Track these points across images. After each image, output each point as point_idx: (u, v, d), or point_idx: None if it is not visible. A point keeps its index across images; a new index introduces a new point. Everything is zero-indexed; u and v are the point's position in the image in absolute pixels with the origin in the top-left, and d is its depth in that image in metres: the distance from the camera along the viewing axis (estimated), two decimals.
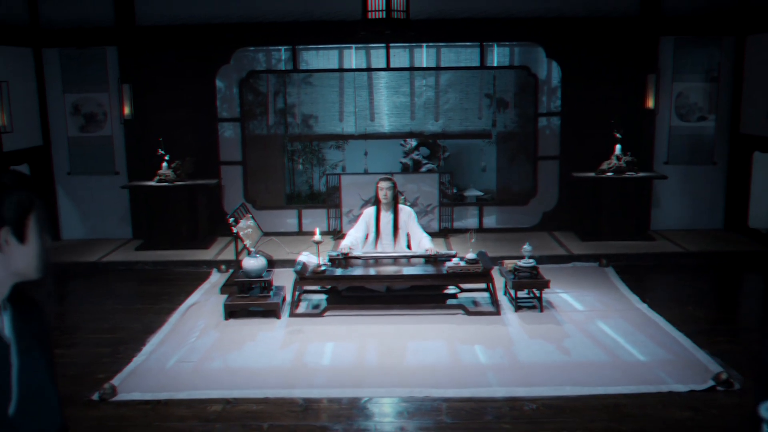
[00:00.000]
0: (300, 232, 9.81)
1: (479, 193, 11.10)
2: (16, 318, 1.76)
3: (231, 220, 7.06)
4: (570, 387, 5.07)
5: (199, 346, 6.01)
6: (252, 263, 6.67)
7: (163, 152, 9.00)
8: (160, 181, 9.04)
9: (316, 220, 9.66)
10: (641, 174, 9.23)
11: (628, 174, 9.09)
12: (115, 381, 5.22)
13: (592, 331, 6.22)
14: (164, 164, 9.06)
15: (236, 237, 7.21)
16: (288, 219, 9.98)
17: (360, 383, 5.20)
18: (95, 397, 4.99)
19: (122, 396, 5.04)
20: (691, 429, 4.49)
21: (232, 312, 6.66)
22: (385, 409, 4.85)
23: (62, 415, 1.88)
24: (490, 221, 10.05)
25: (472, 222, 9.90)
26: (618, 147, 9.12)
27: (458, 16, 9.38)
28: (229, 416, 4.74)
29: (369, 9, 6.16)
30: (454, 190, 10.46)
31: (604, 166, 9.16)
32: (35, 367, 1.76)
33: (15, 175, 1.72)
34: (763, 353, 2.13)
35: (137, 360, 5.71)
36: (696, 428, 4.50)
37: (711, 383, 5.05)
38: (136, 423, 4.68)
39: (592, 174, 9.22)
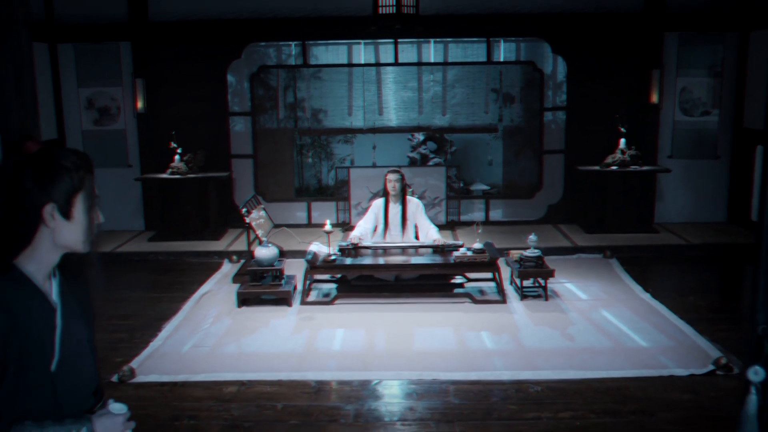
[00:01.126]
0: (309, 225, 10.00)
1: (485, 187, 11.26)
2: (63, 285, 1.93)
3: (244, 210, 7.23)
4: (574, 371, 5.22)
5: (213, 332, 6.19)
6: (264, 252, 6.84)
7: (175, 145, 9.19)
8: (172, 173, 9.23)
9: (324, 213, 9.83)
10: (645, 168, 9.37)
11: (633, 168, 9.24)
12: (133, 364, 5.40)
13: (596, 319, 6.37)
14: (176, 157, 9.24)
15: (248, 227, 7.38)
16: (297, 212, 10.15)
17: (370, 367, 5.37)
18: (114, 379, 5.16)
19: (140, 378, 5.22)
20: (690, 410, 4.64)
21: (244, 300, 6.83)
22: (394, 390, 5.01)
23: (99, 380, 2.05)
24: (496, 214, 10.21)
25: (478, 215, 10.05)
26: (622, 141, 9.27)
27: (465, 12, 9.53)
28: (244, 397, 4.91)
29: (380, 4, 6.34)
30: (461, 184, 10.62)
31: (609, 159, 9.30)
32: (77, 332, 1.93)
33: (74, 155, 1.88)
34: (751, 322, 2.30)
35: (154, 345, 5.89)
36: (695, 409, 4.65)
37: (711, 367, 5.21)
38: (155, 403, 4.85)
39: (596, 168, 9.37)
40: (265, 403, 4.81)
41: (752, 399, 2.26)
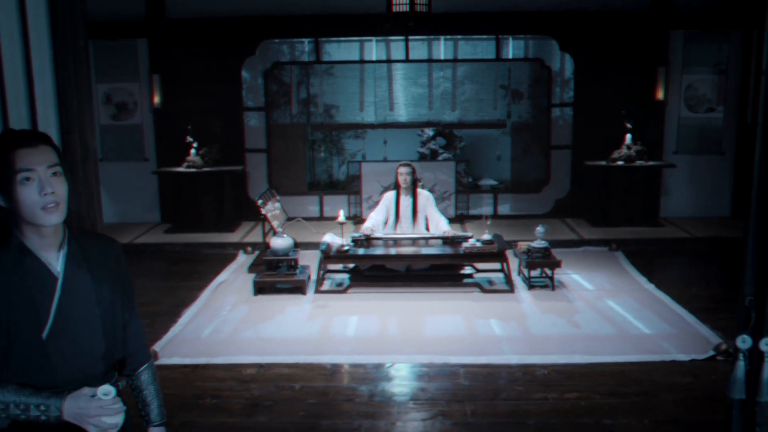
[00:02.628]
0: (321, 218, 10.23)
1: (494, 182, 11.45)
2: (75, 256, 2.08)
3: (260, 202, 7.45)
4: (579, 356, 5.43)
5: (231, 318, 6.42)
6: (280, 243, 7.06)
7: (191, 140, 9.43)
8: (188, 167, 9.47)
9: (336, 206, 10.03)
10: (651, 163, 9.57)
11: (638, 163, 9.44)
12: (156, 347, 5.62)
13: (601, 307, 6.58)
14: (192, 151, 9.48)
15: (264, 219, 7.60)
16: (310, 205, 10.39)
17: (383, 351, 5.58)
18: None
19: (163, 360, 5.45)
20: (691, 392, 4.84)
21: (260, 288, 7.06)
22: (406, 373, 5.23)
23: (114, 344, 2.16)
24: (504, 208, 10.42)
25: (487, 209, 10.27)
26: (628, 137, 9.46)
27: (475, 10, 9.73)
28: (263, 378, 5.14)
29: (394, 2, 6.56)
30: (470, 179, 10.82)
31: (615, 155, 9.50)
32: (83, 300, 2.07)
33: (5, 137, 2.00)
34: (741, 295, 2.50)
35: (174, 330, 6.12)
36: (696, 391, 4.85)
37: (711, 353, 5.41)
38: (178, 383, 5.08)
39: (603, 163, 9.57)
40: (283, 384, 5.03)
41: (740, 364, 2.47)
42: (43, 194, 1.93)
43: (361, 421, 4.45)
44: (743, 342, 2.44)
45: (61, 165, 1.99)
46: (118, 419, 1.94)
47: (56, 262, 2.03)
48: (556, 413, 4.53)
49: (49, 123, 2.45)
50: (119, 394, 2.15)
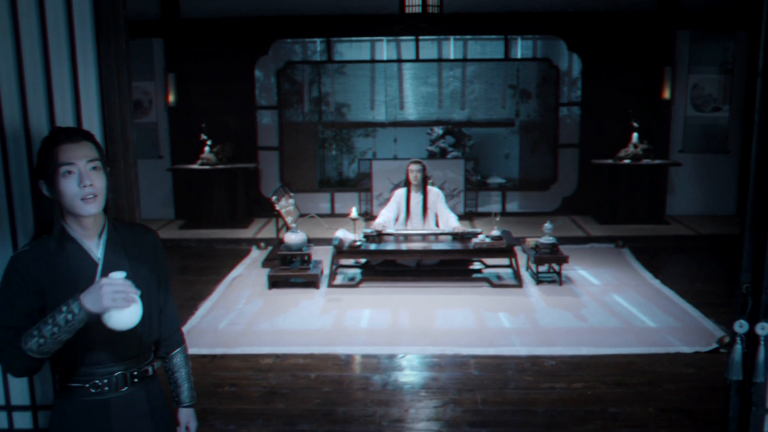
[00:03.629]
0: (332, 214, 10.42)
1: (502, 181, 11.61)
2: (114, 244, 2.25)
3: (274, 198, 7.63)
4: (586, 347, 5.59)
5: (246, 311, 6.61)
6: (294, 238, 7.24)
7: (205, 137, 9.63)
8: (202, 164, 9.66)
9: (347, 203, 10.23)
10: (657, 161, 9.72)
11: (645, 161, 9.59)
12: None
13: (608, 302, 6.74)
14: (206, 149, 9.67)
15: (278, 215, 7.78)
16: (321, 202, 10.57)
17: (395, 342, 5.76)
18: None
19: None
20: (694, 382, 5.00)
21: (275, 282, 7.25)
22: (418, 363, 5.40)
23: (149, 323, 2.31)
24: (512, 206, 10.58)
25: (495, 207, 10.44)
26: (635, 135, 9.62)
27: (484, 11, 9.89)
28: (280, 367, 5.31)
29: (407, 4, 6.74)
30: (478, 177, 10.99)
31: (622, 153, 9.65)
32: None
33: (53, 134, 2.18)
34: (738, 282, 2.67)
35: (191, 322, 6.30)
36: (699, 381, 5.01)
37: (714, 345, 5.56)
38: (197, 372, 5.24)
39: (610, 161, 9.72)
40: (299, 373, 5.21)
41: (738, 348, 2.64)
42: (82, 186, 2.10)
43: (375, 408, 4.62)
44: (740, 327, 2.62)
45: (100, 160, 2.16)
46: (136, 309, 2.02)
47: (96, 249, 2.21)
48: (563, 402, 4.69)
49: (92, 120, 2.63)
50: (155, 374, 2.34)
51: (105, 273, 2.14)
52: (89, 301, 1.98)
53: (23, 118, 2.64)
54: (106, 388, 2.20)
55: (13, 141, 2.65)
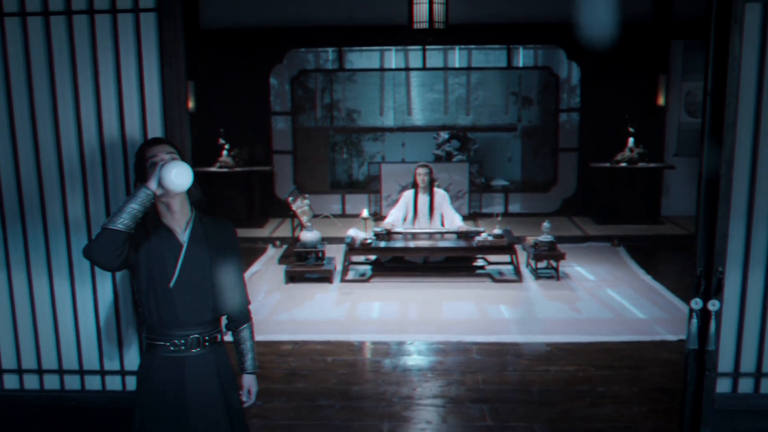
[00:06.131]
0: (343, 215, 10.93)
1: (505, 183, 12.09)
2: (197, 233, 2.75)
3: (290, 199, 8.16)
4: (579, 336, 6.09)
5: (266, 303, 7.13)
6: (309, 236, 7.76)
7: (223, 141, 10.16)
8: (220, 167, 10.19)
9: (357, 205, 10.74)
10: (652, 165, 10.20)
11: (641, 165, 10.08)
12: None
13: (601, 296, 7.24)
14: (224, 152, 10.20)
15: (293, 214, 8.31)
16: (332, 204, 11.10)
17: (404, 331, 6.28)
18: None
19: None
20: (676, 366, 5.46)
21: (291, 277, 7.77)
22: (425, 349, 5.91)
23: (222, 301, 2.79)
24: (514, 207, 11.09)
25: (498, 208, 10.94)
26: (631, 140, 10.10)
27: (487, 21, 10.38)
28: (299, 353, 5.83)
29: (414, 20, 7.27)
30: (482, 179, 11.49)
31: (619, 157, 10.14)
32: (199, 264, 2.73)
33: (144, 144, 2.75)
34: (695, 264, 3.18)
35: None
36: (680, 365, 5.26)
37: None
38: None
39: (607, 164, 10.22)
40: (317, 357, 5.73)
41: (694, 322, 3.15)
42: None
43: (386, 387, 5.13)
44: (696, 304, 3.13)
45: (178, 155, 2.70)
46: (184, 168, 2.50)
47: (182, 234, 2.73)
48: (556, 382, 5.19)
49: (155, 130, 3.17)
50: (223, 342, 2.84)
51: (187, 255, 2.68)
52: (149, 182, 2.51)
53: (99, 130, 3.19)
54: (183, 348, 2.71)
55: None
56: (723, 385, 3.36)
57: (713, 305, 3.08)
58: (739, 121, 3.08)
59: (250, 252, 9.26)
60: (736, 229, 3.18)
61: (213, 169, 10.24)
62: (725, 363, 3.34)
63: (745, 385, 3.37)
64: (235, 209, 10.29)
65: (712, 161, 3.03)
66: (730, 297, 3.27)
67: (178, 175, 2.46)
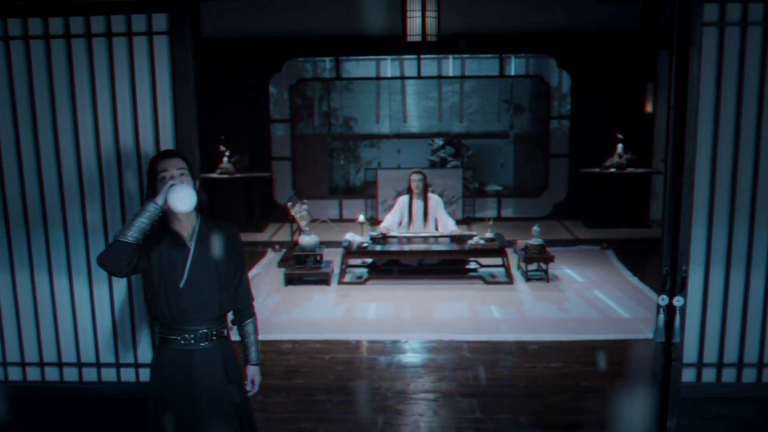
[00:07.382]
0: (341, 220, 11.21)
1: (498, 188, 12.39)
2: (203, 238, 2.99)
3: (289, 204, 8.45)
4: (566, 334, 6.37)
5: (266, 304, 7.41)
6: (308, 239, 8.05)
7: (224, 148, 10.44)
8: (221, 173, 10.47)
9: (354, 210, 11.02)
10: (641, 170, 10.50)
11: (629, 170, 10.38)
12: None
13: (589, 296, 7.53)
14: (225, 159, 10.48)
15: (292, 219, 8.59)
16: (330, 209, 11.38)
17: (398, 330, 6.56)
18: None
19: None
20: None
21: (290, 279, 8.06)
22: (418, 347, 6.19)
23: (226, 300, 3.05)
24: (507, 211, 11.38)
25: (491, 212, 11.23)
26: (620, 146, 10.40)
27: (480, 31, 10.66)
28: (298, 351, 6.11)
29: (408, 33, 7.57)
30: (476, 185, 11.78)
31: (608, 162, 10.44)
32: (205, 267, 2.97)
33: (155, 157, 3.00)
34: (661, 263, 3.48)
35: None
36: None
37: None
38: None
39: (597, 170, 10.52)
40: (315, 356, 6.01)
41: (661, 317, 3.44)
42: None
43: (381, 383, 5.41)
44: (662, 300, 3.43)
45: (188, 169, 2.96)
46: (188, 191, 2.74)
47: (190, 239, 2.98)
48: (542, 378, 5.48)
49: (167, 143, 3.47)
50: (229, 336, 3.11)
51: (195, 257, 2.93)
52: (157, 197, 2.74)
53: (115, 143, 3.49)
54: (192, 341, 2.97)
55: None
56: (688, 375, 3.65)
57: (678, 301, 3.37)
58: (699, 134, 3.39)
59: (251, 255, 9.52)
60: (698, 231, 3.50)
61: (214, 175, 10.51)
62: (690, 354, 3.65)
63: (708, 375, 3.67)
64: (236, 214, 10.55)
65: (676, 169, 3.33)
66: (694, 293, 3.58)
67: (182, 201, 2.72)
